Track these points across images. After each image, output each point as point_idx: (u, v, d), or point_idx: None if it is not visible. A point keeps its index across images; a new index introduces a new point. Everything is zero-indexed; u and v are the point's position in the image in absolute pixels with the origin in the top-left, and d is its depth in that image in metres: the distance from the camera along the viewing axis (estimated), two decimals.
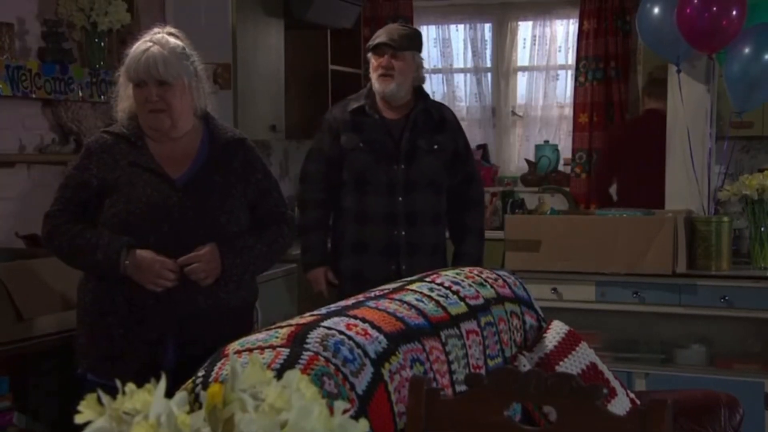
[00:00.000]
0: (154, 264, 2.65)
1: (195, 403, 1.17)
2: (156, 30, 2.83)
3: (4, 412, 3.32)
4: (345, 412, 1.02)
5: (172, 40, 2.79)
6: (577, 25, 6.26)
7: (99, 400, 0.97)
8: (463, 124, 6.65)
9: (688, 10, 3.76)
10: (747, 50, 3.82)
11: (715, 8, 3.71)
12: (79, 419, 0.97)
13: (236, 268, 2.78)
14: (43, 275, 3.44)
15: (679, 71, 4.07)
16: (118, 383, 1.00)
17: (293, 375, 1.03)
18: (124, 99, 2.82)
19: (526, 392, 1.60)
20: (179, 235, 2.70)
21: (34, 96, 3.96)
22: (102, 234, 2.69)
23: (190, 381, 2.04)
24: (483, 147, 6.59)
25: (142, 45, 2.76)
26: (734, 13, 3.72)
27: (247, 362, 2.10)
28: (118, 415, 0.95)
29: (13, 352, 3.34)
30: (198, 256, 2.70)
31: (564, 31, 6.48)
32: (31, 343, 3.39)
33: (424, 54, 6.65)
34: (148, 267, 2.65)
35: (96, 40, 4.26)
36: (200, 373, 2.06)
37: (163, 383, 0.98)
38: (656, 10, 4.02)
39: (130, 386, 0.98)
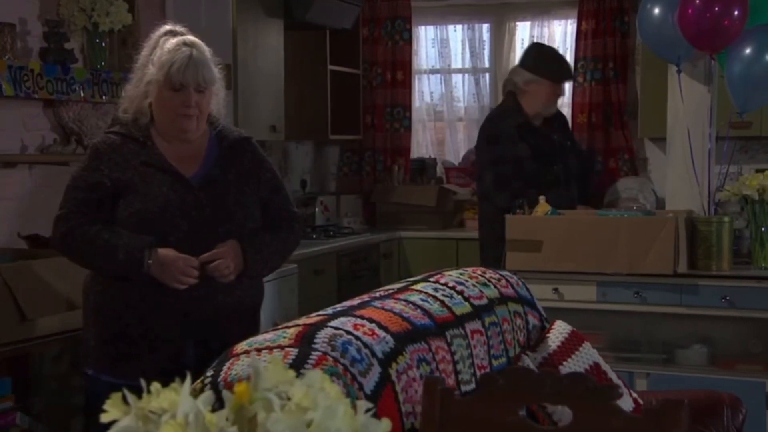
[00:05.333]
0: (178, 261, 2.65)
1: None
2: (168, 28, 2.82)
3: (6, 413, 3.32)
4: (367, 411, 1.03)
5: (200, 42, 2.79)
6: (575, 25, 6.26)
7: (124, 399, 0.97)
8: (461, 125, 6.77)
9: (689, 10, 3.77)
10: (748, 51, 3.83)
11: (716, 8, 3.72)
12: (104, 418, 0.98)
13: (257, 263, 2.79)
14: (46, 275, 3.43)
15: (679, 72, 4.07)
16: (143, 383, 1.00)
17: (316, 375, 1.04)
18: (138, 98, 2.78)
19: (540, 392, 1.61)
20: (198, 233, 2.70)
21: (36, 96, 3.96)
22: (121, 234, 2.68)
23: (198, 381, 2.04)
24: None
25: (182, 49, 2.72)
26: (736, 13, 3.73)
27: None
28: (143, 414, 0.96)
29: (16, 353, 3.34)
30: (220, 252, 2.70)
31: (562, 32, 6.49)
32: (34, 344, 3.39)
33: (421, 54, 6.75)
34: (172, 264, 2.64)
35: (97, 40, 4.26)
36: (209, 373, 2.07)
37: (188, 382, 0.99)
38: (656, 11, 4.03)
39: (156, 385, 0.98)
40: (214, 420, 0.93)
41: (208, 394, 0.97)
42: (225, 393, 1.05)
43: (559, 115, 5.01)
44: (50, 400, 3.51)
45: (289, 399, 1.01)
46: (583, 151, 5.30)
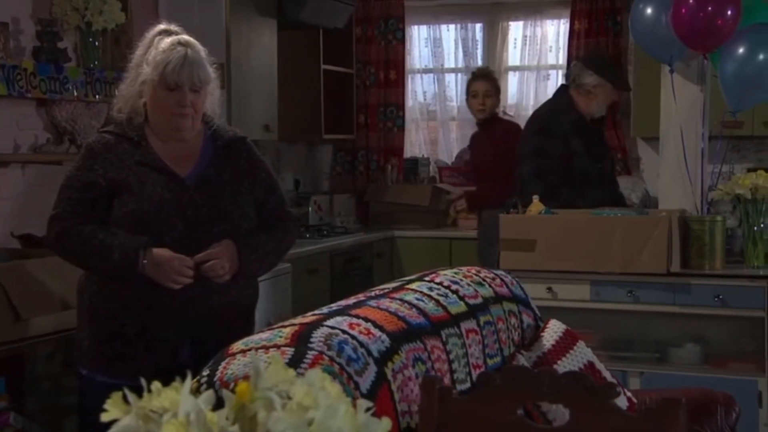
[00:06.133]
0: (173, 261, 2.64)
1: None
2: (163, 27, 2.81)
3: (0, 413, 3.31)
4: (368, 410, 1.03)
5: (195, 42, 2.78)
6: (568, 25, 6.28)
7: (125, 398, 0.97)
8: (454, 124, 6.78)
9: (683, 10, 3.78)
10: (741, 50, 3.84)
11: (710, 8, 3.73)
12: (105, 417, 0.98)
13: (252, 263, 2.79)
14: (40, 275, 3.43)
15: (672, 71, 4.08)
16: (143, 382, 1.00)
17: (316, 374, 1.04)
18: (132, 98, 2.77)
19: (539, 392, 1.61)
20: (194, 233, 2.69)
21: (29, 96, 3.95)
22: (116, 234, 2.67)
23: (194, 381, 2.04)
24: None
25: (177, 48, 2.70)
26: (729, 13, 3.74)
27: (252, 362, 2.11)
28: (144, 413, 0.96)
29: (10, 353, 3.33)
30: (215, 252, 2.69)
31: (555, 31, 6.50)
32: (28, 344, 3.38)
33: (414, 54, 6.76)
34: (167, 264, 2.64)
35: (90, 39, 4.25)
36: (205, 373, 2.07)
37: (188, 381, 0.99)
38: (649, 11, 4.04)
39: (156, 384, 0.98)
40: (215, 419, 0.93)
41: (209, 393, 0.97)
42: (221, 392, 1.05)
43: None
44: (44, 400, 3.50)
45: (288, 398, 1.01)
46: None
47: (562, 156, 4.65)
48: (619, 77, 5.04)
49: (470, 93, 5.54)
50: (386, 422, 1.02)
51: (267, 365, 1.04)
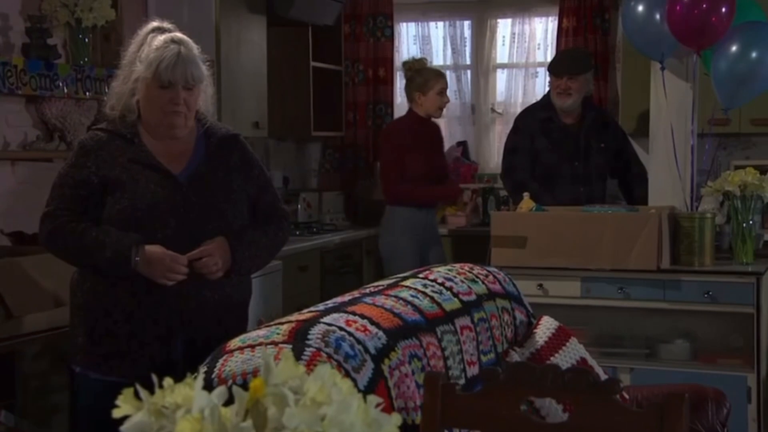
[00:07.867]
0: (165, 258, 2.63)
1: None
2: (155, 24, 2.80)
3: None
4: (377, 406, 1.04)
5: (188, 39, 2.78)
6: (556, 22, 6.29)
7: (137, 394, 0.97)
8: (442, 122, 6.74)
9: (678, 7, 3.80)
10: (734, 48, 3.86)
11: (704, 5, 3.75)
12: (117, 414, 0.98)
13: (246, 261, 2.78)
14: (32, 272, 3.41)
15: (663, 69, 4.10)
16: (154, 378, 1.01)
17: (325, 369, 1.04)
18: (125, 95, 2.76)
19: (542, 387, 1.62)
20: (187, 230, 2.68)
21: (19, 92, 3.93)
22: (109, 232, 2.66)
23: (191, 377, 2.04)
24: (463, 144, 6.62)
25: (170, 46, 2.70)
26: (723, 10, 3.76)
27: (249, 359, 2.10)
28: (156, 409, 0.96)
29: (2, 350, 3.32)
30: (207, 249, 2.69)
31: (543, 29, 6.52)
32: (19, 341, 3.37)
33: (403, 51, 6.74)
34: (160, 261, 2.63)
35: (80, 36, 4.23)
36: (203, 370, 2.07)
37: (200, 378, 0.99)
38: (640, 8, 4.05)
39: (168, 380, 0.98)
40: (228, 414, 0.93)
41: (221, 389, 0.98)
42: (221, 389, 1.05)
43: (596, 115, 5.11)
44: (36, 398, 3.49)
45: (298, 394, 1.01)
46: (626, 154, 5.15)
47: (529, 153, 4.92)
48: (552, 64, 5.14)
49: (437, 91, 5.23)
50: (396, 417, 1.03)
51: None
